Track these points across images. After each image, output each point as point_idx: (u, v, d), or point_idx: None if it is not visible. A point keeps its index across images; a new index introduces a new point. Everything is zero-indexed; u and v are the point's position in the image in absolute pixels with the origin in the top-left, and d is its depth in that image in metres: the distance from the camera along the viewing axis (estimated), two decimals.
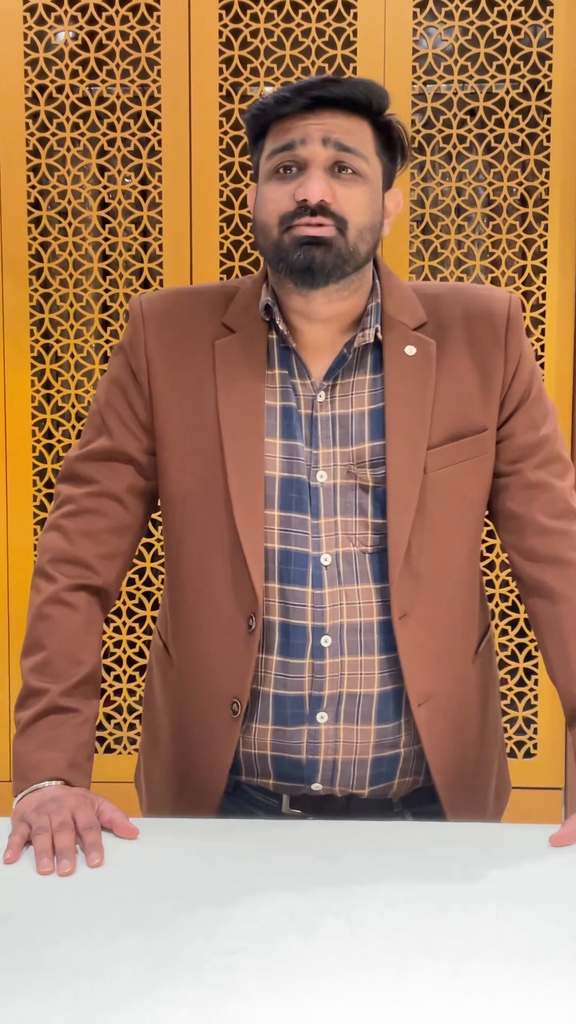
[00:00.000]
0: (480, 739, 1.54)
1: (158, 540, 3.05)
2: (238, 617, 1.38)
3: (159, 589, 3.16)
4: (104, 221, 3.15)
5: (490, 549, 3.03)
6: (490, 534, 2.86)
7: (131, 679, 3.16)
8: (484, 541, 2.92)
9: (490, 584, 3.08)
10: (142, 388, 1.41)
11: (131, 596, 3.12)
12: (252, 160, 1.39)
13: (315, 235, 1.28)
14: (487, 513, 1.50)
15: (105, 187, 3.12)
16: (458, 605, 1.44)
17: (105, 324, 3.16)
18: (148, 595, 3.16)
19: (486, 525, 1.52)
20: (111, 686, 3.14)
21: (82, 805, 1.30)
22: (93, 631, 1.45)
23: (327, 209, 1.28)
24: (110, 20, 3.05)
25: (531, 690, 3.08)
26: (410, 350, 1.37)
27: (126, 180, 3.12)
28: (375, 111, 1.33)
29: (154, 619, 3.15)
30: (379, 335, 1.38)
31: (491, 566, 3.07)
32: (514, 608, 3.06)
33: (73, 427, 3.17)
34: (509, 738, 3.09)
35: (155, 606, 3.16)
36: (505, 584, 3.06)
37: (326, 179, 1.29)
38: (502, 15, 3.01)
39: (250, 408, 1.36)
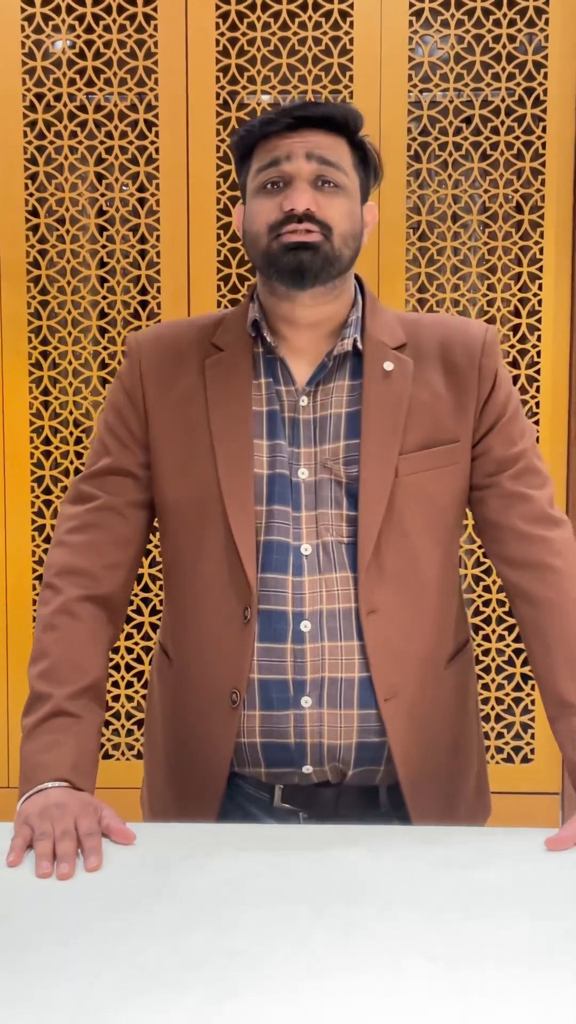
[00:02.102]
0: (452, 749, 1.57)
1: (155, 547, 3.05)
2: (234, 609, 1.45)
3: (157, 595, 3.17)
4: (102, 229, 3.16)
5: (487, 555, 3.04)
6: None
7: (129, 685, 3.16)
8: (477, 551, 2.93)
9: (487, 590, 3.09)
10: (137, 407, 1.51)
11: (129, 602, 3.12)
12: (239, 181, 1.49)
13: (303, 240, 1.38)
14: (472, 525, 1.57)
15: (103, 195, 3.13)
16: (428, 606, 1.50)
17: (103, 331, 3.17)
18: (146, 601, 3.16)
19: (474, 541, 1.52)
20: (109, 691, 3.14)
21: (85, 813, 1.32)
22: (98, 641, 1.50)
23: (313, 217, 1.39)
24: (108, 29, 3.06)
25: (528, 695, 3.08)
26: (388, 365, 1.47)
27: (124, 188, 3.13)
28: (351, 130, 1.45)
29: (152, 625, 3.16)
30: (359, 344, 1.47)
31: (488, 571, 3.08)
32: (511, 613, 3.06)
33: (71, 433, 3.17)
34: (507, 743, 3.10)
35: (153, 612, 3.17)
36: (503, 590, 3.07)
37: (310, 191, 1.40)
38: (497, 23, 3.02)
39: (238, 414, 1.46)
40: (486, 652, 3.09)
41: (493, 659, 3.09)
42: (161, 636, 1.63)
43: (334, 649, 1.45)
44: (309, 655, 1.44)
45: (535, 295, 3.07)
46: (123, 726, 3.20)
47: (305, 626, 1.44)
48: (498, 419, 1.50)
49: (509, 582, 1.50)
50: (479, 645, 3.09)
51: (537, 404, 3.05)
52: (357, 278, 1.55)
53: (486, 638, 3.09)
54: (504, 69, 3.04)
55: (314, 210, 1.39)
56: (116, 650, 3.17)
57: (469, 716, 1.62)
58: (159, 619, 3.12)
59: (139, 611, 3.15)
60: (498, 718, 3.12)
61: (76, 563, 1.50)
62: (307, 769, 1.48)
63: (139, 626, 3.16)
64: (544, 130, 3.03)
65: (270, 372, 1.48)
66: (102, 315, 3.16)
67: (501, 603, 3.08)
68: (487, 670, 3.09)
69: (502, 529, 1.50)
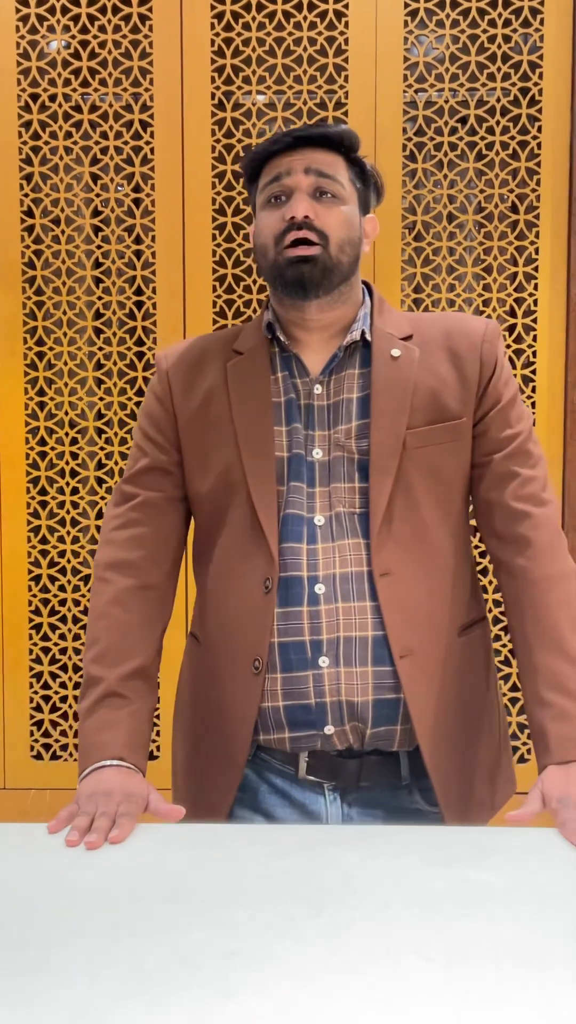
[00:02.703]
0: (469, 715, 1.65)
1: None
2: (256, 581, 1.57)
3: None
4: (97, 229, 3.16)
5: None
6: None
7: None
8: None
9: (483, 590, 3.08)
10: (168, 412, 1.65)
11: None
12: (249, 198, 1.64)
13: (303, 254, 1.52)
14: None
15: (98, 195, 3.13)
16: (439, 572, 1.60)
17: (98, 332, 3.16)
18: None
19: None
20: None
21: (128, 802, 1.42)
22: (148, 628, 1.62)
23: (311, 225, 1.53)
24: (102, 29, 3.06)
25: None
26: (395, 352, 1.60)
27: (119, 188, 3.13)
28: (347, 147, 1.58)
29: None
30: (367, 335, 1.60)
31: (484, 571, 3.08)
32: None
33: (66, 434, 3.17)
34: None
35: None
36: (497, 590, 3.07)
37: (309, 201, 1.53)
38: (493, 23, 3.03)
39: (259, 405, 1.59)
40: None
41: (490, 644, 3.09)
42: (192, 625, 1.75)
43: (348, 610, 1.55)
44: (324, 616, 1.54)
45: (531, 295, 3.07)
46: (71, 727, 3.20)
47: (319, 588, 1.55)
48: (496, 403, 1.61)
49: (494, 556, 1.61)
50: None
51: (533, 404, 3.05)
52: (366, 284, 1.67)
53: None
54: (499, 69, 3.04)
55: (312, 217, 1.52)
56: (64, 651, 3.17)
57: (488, 689, 1.71)
58: None
59: (87, 612, 3.14)
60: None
61: (122, 556, 1.63)
62: (328, 730, 1.55)
63: (87, 627, 3.16)
64: (539, 130, 3.03)
65: (286, 367, 1.61)
66: (97, 316, 3.16)
67: (497, 603, 3.08)
68: None
69: (491, 505, 1.61)
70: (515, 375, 3.04)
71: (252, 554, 1.57)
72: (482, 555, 3.03)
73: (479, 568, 3.10)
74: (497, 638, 3.11)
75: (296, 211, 1.52)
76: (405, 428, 1.56)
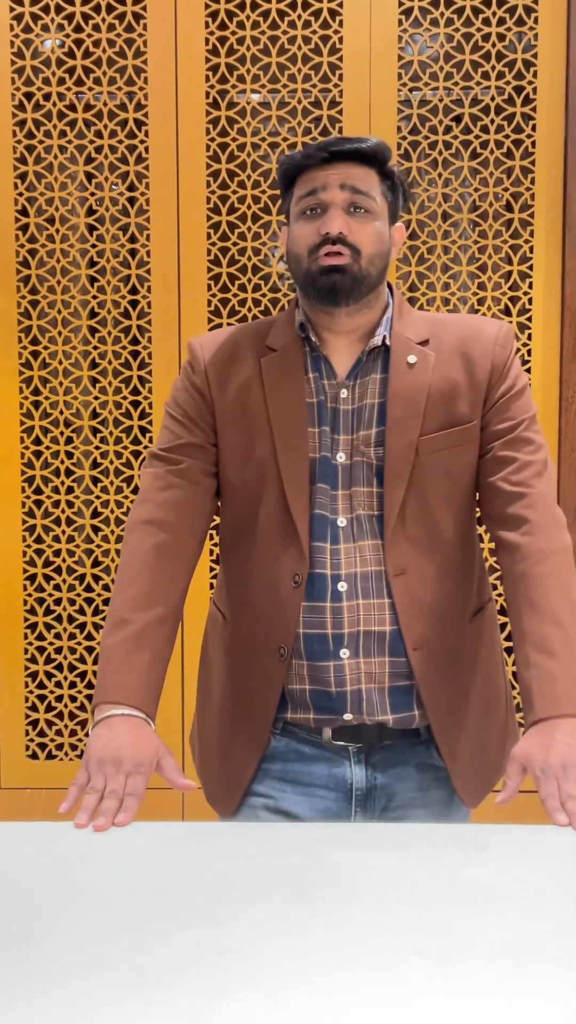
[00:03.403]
0: (479, 694, 1.74)
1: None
2: (286, 575, 1.66)
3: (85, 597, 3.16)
4: (92, 228, 3.15)
5: None
6: None
7: (72, 685, 3.16)
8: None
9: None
10: (206, 400, 1.71)
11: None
12: (283, 205, 1.71)
13: (335, 263, 1.59)
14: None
15: (92, 194, 3.13)
16: (450, 568, 1.68)
17: (93, 331, 3.16)
18: (89, 600, 3.16)
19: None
20: (52, 692, 3.14)
21: (138, 772, 1.47)
22: (176, 584, 1.67)
23: (345, 240, 1.59)
24: (97, 28, 3.06)
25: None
26: (411, 358, 1.66)
27: (113, 187, 3.12)
28: (380, 161, 1.64)
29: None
30: (387, 341, 1.67)
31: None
32: (503, 612, 3.07)
33: (62, 433, 3.17)
34: None
35: (96, 612, 3.16)
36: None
37: (344, 216, 1.60)
38: (487, 22, 3.03)
39: (294, 405, 1.66)
40: None
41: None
42: (216, 597, 1.83)
43: (367, 606, 1.65)
44: (346, 612, 1.64)
45: (525, 293, 3.07)
46: (66, 726, 3.21)
47: (342, 586, 1.64)
48: (501, 398, 1.67)
49: (493, 535, 1.66)
50: None
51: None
52: (388, 285, 1.72)
53: None
54: (494, 68, 3.04)
55: (346, 234, 1.59)
56: (60, 650, 3.18)
57: (495, 664, 1.80)
58: (104, 619, 3.11)
59: (82, 611, 3.14)
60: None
61: (160, 515, 1.68)
62: (347, 717, 1.66)
63: (82, 625, 3.15)
64: (534, 128, 3.03)
65: (316, 367, 1.68)
66: (92, 314, 3.16)
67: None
68: None
69: (490, 489, 1.66)
70: None
71: (284, 549, 1.66)
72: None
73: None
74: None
75: (331, 227, 1.59)
76: (418, 436, 1.63)
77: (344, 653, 1.65)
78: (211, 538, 2.99)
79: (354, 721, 1.66)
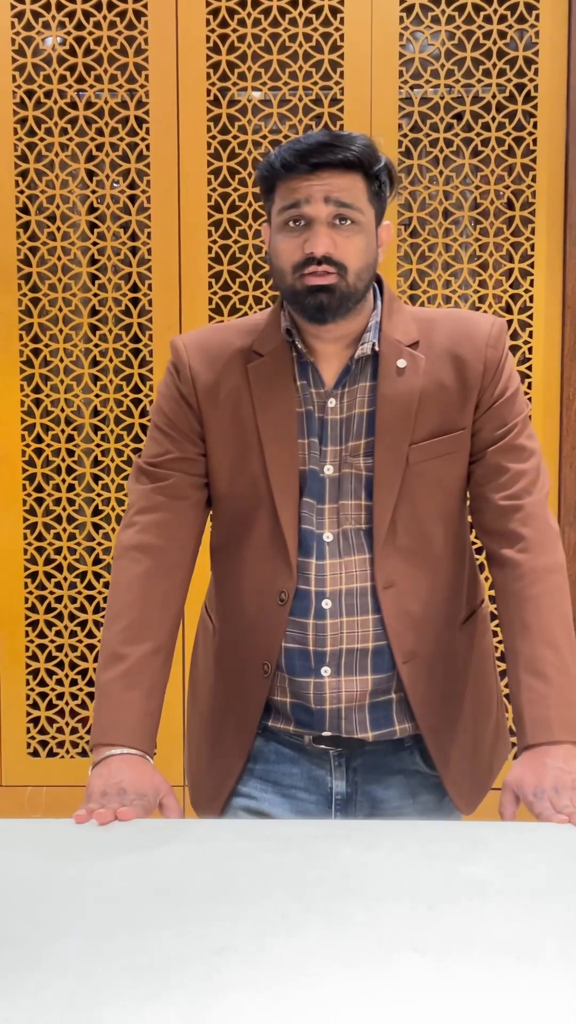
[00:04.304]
0: (470, 699, 1.72)
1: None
2: (273, 591, 1.62)
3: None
4: (93, 226, 3.15)
5: None
6: None
7: (73, 683, 3.16)
8: None
9: None
10: (192, 407, 1.65)
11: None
12: (264, 206, 1.62)
13: (322, 283, 1.52)
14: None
15: (93, 192, 3.13)
16: (441, 577, 1.65)
17: (94, 328, 3.16)
18: (90, 599, 3.16)
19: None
20: (53, 690, 3.14)
21: (140, 800, 1.46)
22: (169, 609, 1.64)
23: (331, 259, 1.52)
24: (98, 25, 3.06)
25: None
26: (401, 363, 1.60)
27: (114, 185, 3.12)
28: (367, 167, 1.54)
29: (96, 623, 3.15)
30: (376, 348, 1.60)
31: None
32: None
33: (63, 431, 3.17)
34: None
35: (97, 609, 3.16)
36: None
37: (329, 233, 1.52)
38: (488, 19, 3.02)
39: (284, 415, 1.61)
40: None
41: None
42: (207, 603, 1.80)
43: (351, 623, 1.61)
44: (329, 630, 1.61)
45: (526, 291, 3.07)
46: (67, 724, 3.21)
47: (326, 604, 1.60)
48: (493, 403, 1.62)
49: (486, 548, 1.64)
50: None
51: (528, 400, 3.05)
52: (377, 279, 1.66)
53: None
54: (495, 65, 3.04)
55: (331, 252, 1.52)
56: (61, 648, 3.19)
57: (486, 667, 1.77)
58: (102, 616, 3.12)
59: (83, 609, 3.14)
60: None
61: (146, 539, 1.64)
62: (326, 733, 1.64)
63: (83, 623, 3.16)
64: (535, 126, 3.03)
65: (304, 375, 1.62)
66: (93, 312, 3.16)
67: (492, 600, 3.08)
68: None
69: (481, 500, 1.63)
70: None
71: (272, 565, 1.62)
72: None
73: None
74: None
75: (316, 248, 1.51)
76: (408, 444, 1.58)
77: (325, 671, 1.61)
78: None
79: (333, 734, 1.64)
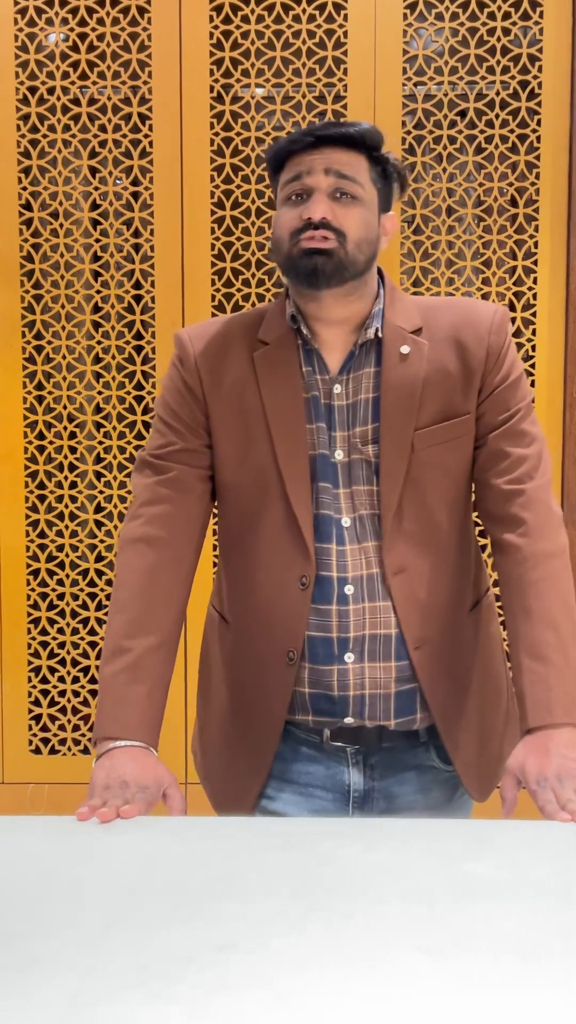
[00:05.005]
0: (480, 686, 1.73)
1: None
2: (292, 577, 1.62)
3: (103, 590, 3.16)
4: (95, 222, 3.15)
5: None
6: None
7: (75, 680, 3.16)
8: None
9: None
10: (197, 399, 1.66)
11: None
12: (272, 191, 1.65)
13: (320, 247, 1.53)
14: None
15: (96, 188, 3.13)
16: (448, 563, 1.66)
17: (97, 325, 3.16)
18: (92, 596, 3.16)
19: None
20: (55, 687, 3.14)
21: (143, 793, 1.45)
22: (174, 602, 1.64)
23: (329, 225, 1.54)
24: (101, 22, 3.06)
25: None
26: (405, 349, 1.61)
27: (117, 181, 3.12)
28: (369, 147, 1.58)
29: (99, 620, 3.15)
30: (379, 333, 1.62)
31: None
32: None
33: (65, 428, 3.17)
34: None
35: (99, 607, 3.16)
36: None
37: (328, 202, 1.55)
38: (492, 16, 3.02)
39: (291, 401, 1.61)
40: None
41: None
42: (215, 601, 1.79)
43: (373, 609, 1.62)
44: (352, 615, 1.61)
45: (530, 289, 3.07)
46: (69, 721, 3.21)
47: (349, 589, 1.61)
48: (496, 388, 1.63)
49: (489, 533, 1.65)
50: None
51: (532, 397, 3.05)
52: (380, 271, 1.68)
53: None
54: (499, 62, 3.03)
55: (330, 218, 1.54)
56: (63, 645, 3.19)
57: (494, 654, 1.78)
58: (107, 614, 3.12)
59: (85, 606, 3.14)
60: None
61: (151, 532, 1.63)
62: (348, 721, 1.63)
63: (85, 620, 3.16)
64: (539, 123, 3.02)
65: (309, 361, 1.63)
66: (96, 309, 3.16)
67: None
68: None
69: (484, 486, 1.64)
70: None
71: (289, 551, 1.62)
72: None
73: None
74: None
75: (314, 212, 1.53)
76: (413, 430, 1.59)
77: (349, 657, 1.62)
78: (214, 533, 2.99)
79: (354, 724, 1.64)
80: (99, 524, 3.22)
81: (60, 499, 3.19)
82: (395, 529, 1.61)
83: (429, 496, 1.62)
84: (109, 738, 1.53)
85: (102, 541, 3.20)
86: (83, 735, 3.23)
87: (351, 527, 1.62)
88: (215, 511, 1.74)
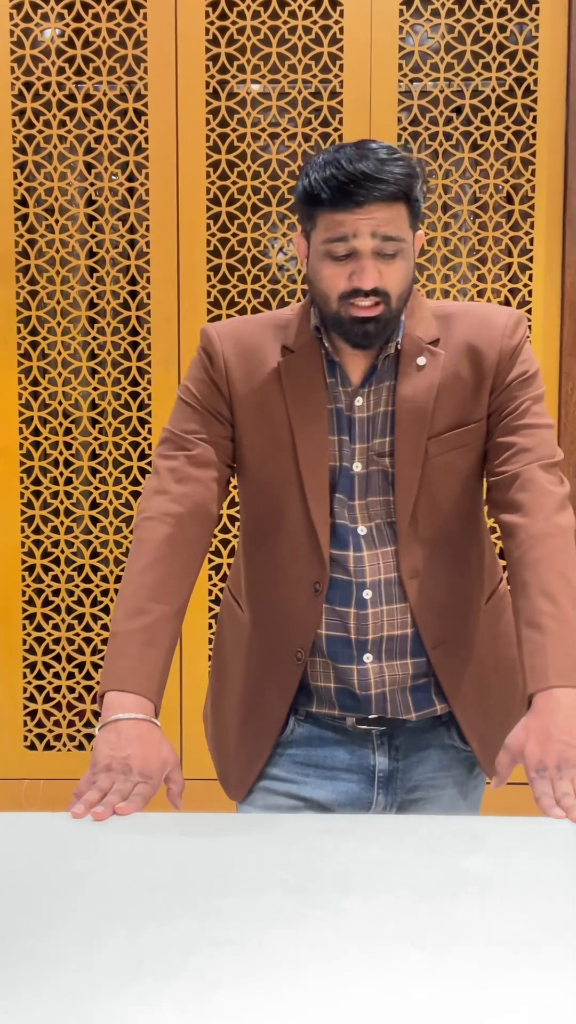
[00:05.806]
0: (498, 675, 1.77)
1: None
2: (306, 582, 1.67)
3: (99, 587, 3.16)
4: (91, 218, 3.15)
5: None
6: None
7: (70, 676, 3.16)
8: None
9: None
10: (224, 396, 1.69)
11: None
12: (300, 220, 1.63)
13: (370, 315, 1.56)
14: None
15: (92, 184, 3.12)
16: (461, 564, 1.71)
17: (92, 321, 3.16)
18: (87, 592, 3.16)
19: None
20: (50, 683, 3.14)
21: (145, 785, 1.45)
22: (188, 576, 1.66)
23: (376, 290, 1.56)
24: (96, 17, 3.05)
25: None
26: (421, 360, 1.65)
27: (113, 177, 3.12)
28: (409, 195, 1.57)
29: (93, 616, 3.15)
30: (399, 346, 1.65)
31: None
32: None
33: (60, 424, 3.16)
34: None
35: (94, 603, 3.16)
36: None
37: (375, 267, 1.56)
38: (488, 13, 3.02)
39: (315, 411, 1.66)
40: None
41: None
42: (232, 585, 1.84)
43: (390, 611, 1.67)
44: (371, 619, 1.66)
45: (525, 285, 3.07)
46: (64, 717, 3.21)
47: (367, 594, 1.66)
48: (507, 385, 1.66)
49: (495, 518, 1.66)
50: None
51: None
52: None
53: None
54: (495, 59, 3.03)
55: (378, 285, 1.55)
56: (58, 641, 3.18)
57: (510, 641, 1.78)
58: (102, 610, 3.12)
59: (80, 602, 3.14)
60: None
61: (174, 508, 1.66)
62: (372, 716, 1.69)
63: (80, 616, 3.16)
64: (535, 120, 3.03)
65: (333, 373, 1.67)
66: (91, 305, 3.15)
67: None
68: None
69: (490, 474, 1.67)
70: None
71: (305, 556, 1.67)
72: None
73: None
74: None
75: (365, 282, 1.55)
76: (426, 439, 1.63)
77: (367, 658, 1.66)
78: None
79: (378, 715, 1.69)
80: (94, 520, 3.22)
81: (55, 495, 3.19)
82: (410, 534, 1.65)
83: (442, 500, 1.66)
84: (117, 690, 1.53)
85: (97, 537, 3.20)
86: (78, 731, 3.23)
87: (368, 535, 1.66)
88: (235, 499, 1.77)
